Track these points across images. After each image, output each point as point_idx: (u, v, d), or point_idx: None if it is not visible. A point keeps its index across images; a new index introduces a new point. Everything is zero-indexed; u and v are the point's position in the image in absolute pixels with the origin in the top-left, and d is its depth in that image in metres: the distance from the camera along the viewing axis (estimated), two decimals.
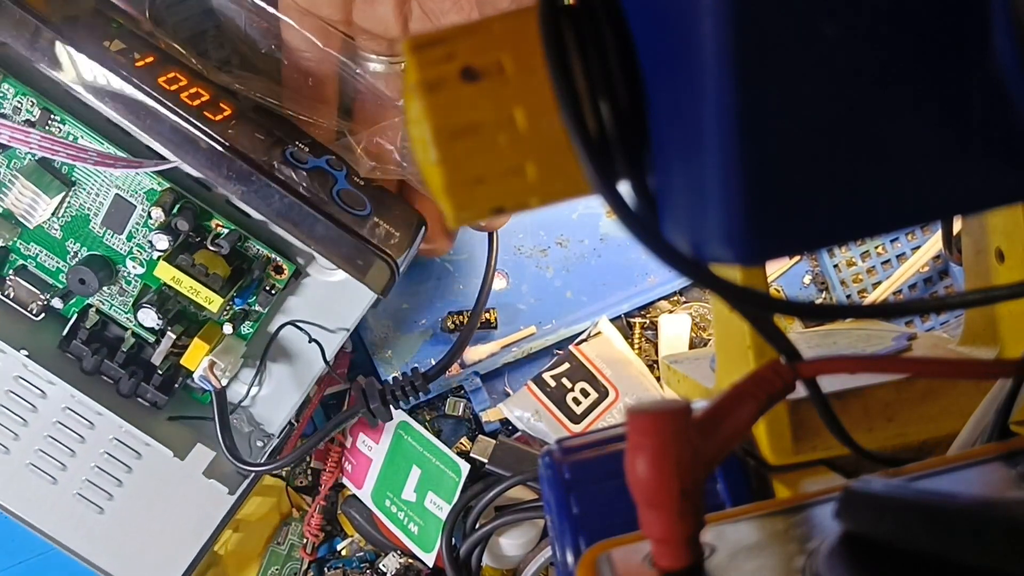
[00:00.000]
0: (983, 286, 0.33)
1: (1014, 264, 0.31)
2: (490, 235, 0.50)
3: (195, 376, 0.44)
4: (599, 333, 0.54)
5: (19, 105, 0.42)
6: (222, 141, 0.40)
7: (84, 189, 0.44)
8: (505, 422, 0.54)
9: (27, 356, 0.43)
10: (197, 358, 0.44)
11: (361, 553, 0.56)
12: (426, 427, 0.54)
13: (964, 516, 0.15)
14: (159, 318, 0.43)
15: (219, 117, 0.40)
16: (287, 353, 0.47)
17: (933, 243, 0.54)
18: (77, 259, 0.45)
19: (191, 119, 0.39)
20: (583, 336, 0.54)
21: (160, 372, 0.45)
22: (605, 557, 0.20)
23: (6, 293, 0.45)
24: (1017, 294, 0.21)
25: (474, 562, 0.50)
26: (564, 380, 0.53)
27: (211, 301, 0.42)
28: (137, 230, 0.44)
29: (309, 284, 0.45)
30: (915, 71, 0.16)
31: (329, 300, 0.45)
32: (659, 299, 0.55)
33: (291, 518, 0.58)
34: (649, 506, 0.17)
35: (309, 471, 0.57)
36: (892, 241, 0.55)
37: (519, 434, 0.54)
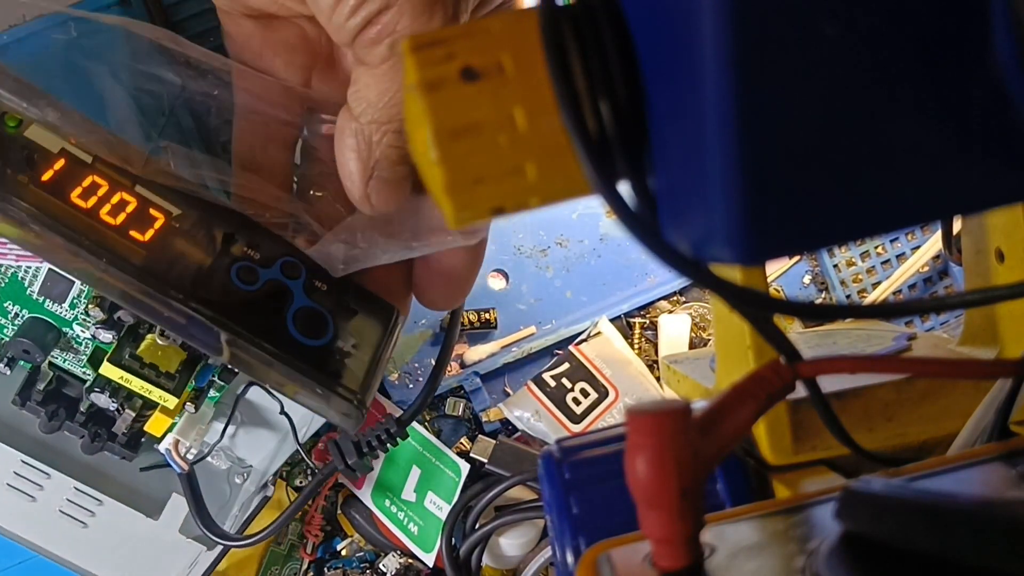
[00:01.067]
0: (983, 286, 0.33)
1: (1014, 264, 0.31)
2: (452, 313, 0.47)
3: (162, 449, 0.43)
4: (599, 333, 0.54)
5: None
6: (153, 273, 0.31)
7: (15, 264, 0.41)
8: (505, 422, 0.54)
9: None
10: (161, 428, 0.42)
11: (361, 553, 0.56)
12: (426, 427, 0.54)
13: (964, 516, 0.15)
14: (112, 401, 0.41)
15: (147, 235, 0.32)
16: (259, 403, 0.46)
17: (933, 243, 0.54)
18: (18, 320, 0.42)
19: (115, 252, 0.31)
20: (583, 336, 0.54)
21: (125, 432, 0.43)
22: (605, 557, 0.20)
23: None
24: (1017, 294, 0.21)
25: (474, 562, 0.50)
26: (564, 380, 0.53)
27: (166, 400, 0.40)
28: (79, 300, 0.41)
29: None
30: (915, 71, 0.16)
31: None
32: (659, 299, 0.55)
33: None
34: (649, 506, 0.17)
35: (309, 471, 0.57)
36: (892, 241, 0.55)
37: (519, 434, 0.54)
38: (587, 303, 0.55)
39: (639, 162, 0.18)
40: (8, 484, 0.45)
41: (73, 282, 0.41)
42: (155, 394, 0.40)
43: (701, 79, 0.15)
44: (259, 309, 0.33)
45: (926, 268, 0.54)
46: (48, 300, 0.42)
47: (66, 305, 0.42)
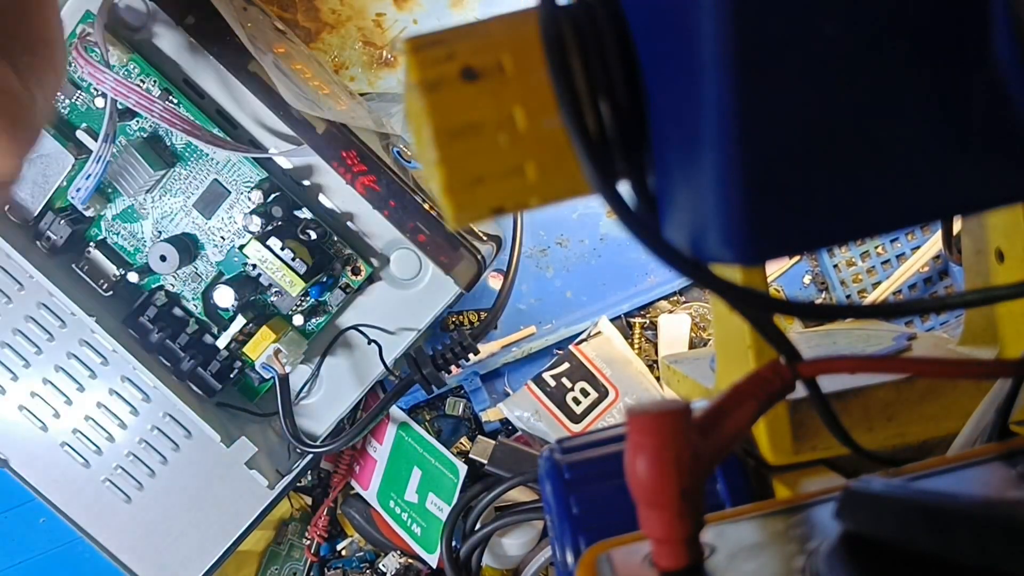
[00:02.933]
0: (983, 286, 0.33)
1: (1014, 264, 0.31)
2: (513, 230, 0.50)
3: (257, 364, 0.45)
4: (599, 333, 0.54)
5: (142, 83, 0.43)
6: (339, 127, 0.42)
7: (185, 170, 0.45)
8: (505, 422, 0.54)
9: (96, 322, 0.44)
10: (261, 347, 0.44)
11: (361, 553, 0.56)
12: (426, 427, 0.54)
13: (964, 516, 0.15)
14: (236, 300, 0.44)
15: (340, 107, 0.42)
16: (345, 356, 0.48)
17: (933, 243, 0.54)
18: (160, 238, 0.46)
19: (319, 99, 0.41)
20: (583, 336, 0.54)
21: (219, 359, 0.46)
22: (605, 557, 0.20)
23: (82, 265, 0.46)
24: (1017, 294, 0.21)
25: (474, 562, 0.50)
26: (564, 380, 0.53)
27: (294, 284, 0.43)
28: (223, 219, 0.45)
29: (379, 288, 0.46)
30: (915, 71, 0.16)
31: (397, 305, 0.46)
32: (659, 299, 0.55)
33: (291, 518, 0.58)
34: (649, 506, 0.17)
35: (316, 471, 0.57)
36: (892, 241, 0.55)
37: (519, 434, 0.54)
38: (587, 303, 0.55)
39: (639, 162, 0.18)
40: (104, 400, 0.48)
41: (228, 193, 0.45)
42: (286, 277, 0.43)
43: (701, 79, 0.15)
44: (409, 175, 0.43)
45: (926, 268, 0.54)
46: (196, 214, 0.46)
47: (209, 222, 0.46)
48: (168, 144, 0.44)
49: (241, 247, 0.44)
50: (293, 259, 0.43)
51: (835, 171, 0.16)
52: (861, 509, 0.18)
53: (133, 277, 0.46)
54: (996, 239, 0.31)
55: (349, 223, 0.44)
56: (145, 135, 0.44)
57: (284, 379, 0.45)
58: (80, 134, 0.44)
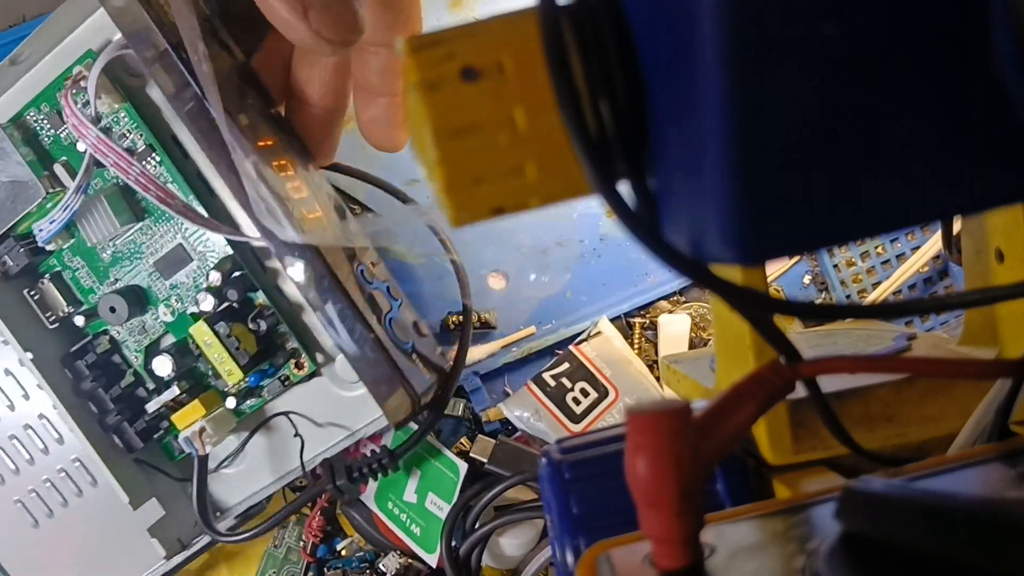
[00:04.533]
0: (983, 286, 0.33)
1: (1014, 264, 0.31)
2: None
3: (180, 436, 0.44)
4: (599, 333, 0.54)
5: (127, 133, 0.43)
6: (308, 242, 0.40)
7: (152, 228, 0.44)
8: (505, 422, 0.54)
9: (32, 355, 0.44)
10: (189, 419, 0.44)
11: (361, 553, 0.56)
12: None
13: (964, 516, 0.15)
14: (172, 372, 0.44)
15: (312, 216, 0.41)
16: (271, 439, 0.48)
17: (933, 243, 0.54)
18: (115, 287, 0.45)
19: (288, 209, 0.39)
20: (583, 336, 0.54)
21: (146, 419, 0.45)
22: (605, 557, 0.20)
23: (33, 294, 0.45)
24: (1017, 294, 0.21)
25: (474, 562, 0.50)
26: (564, 380, 0.53)
27: (231, 374, 0.43)
28: (182, 283, 0.45)
29: (318, 382, 0.46)
30: (915, 71, 0.16)
31: (333, 403, 0.46)
32: (659, 299, 0.55)
33: (287, 521, 0.58)
34: (649, 506, 0.17)
35: (312, 472, 0.57)
36: (892, 241, 0.55)
37: (519, 434, 0.54)
38: (587, 303, 0.55)
39: (639, 162, 0.18)
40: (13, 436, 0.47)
41: (190, 260, 0.44)
42: (225, 365, 0.43)
43: (701, 79, 0.15)
44: (371, 299, 0.42)
45: (926, 268, 0.54)
46: (156, 274, 0.45)
47: (168, 283, 0.45)
48: (140, 198, 0.44)
49: (193, 315, 0.44)
50: (237, 348, 0.43)
51: (835, 171, 0.16)
52: (861, 509, 0.18)
53: (79, 320, 0.46)
54: (996, 239, 0.31)
55: (303, 316, 0.44)
56: (120, 184, 0.43)
57: (203, 460, 0.45)
58: (58, 167, 0.43)
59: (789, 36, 0.15)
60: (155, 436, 0.46)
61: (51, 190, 0.43)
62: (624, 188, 0.18)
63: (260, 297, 0.44)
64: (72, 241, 0.45)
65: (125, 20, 0.39)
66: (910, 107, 0.16)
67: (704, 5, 0.15)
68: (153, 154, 0.43)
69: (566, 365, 0.53)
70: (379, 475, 0.48)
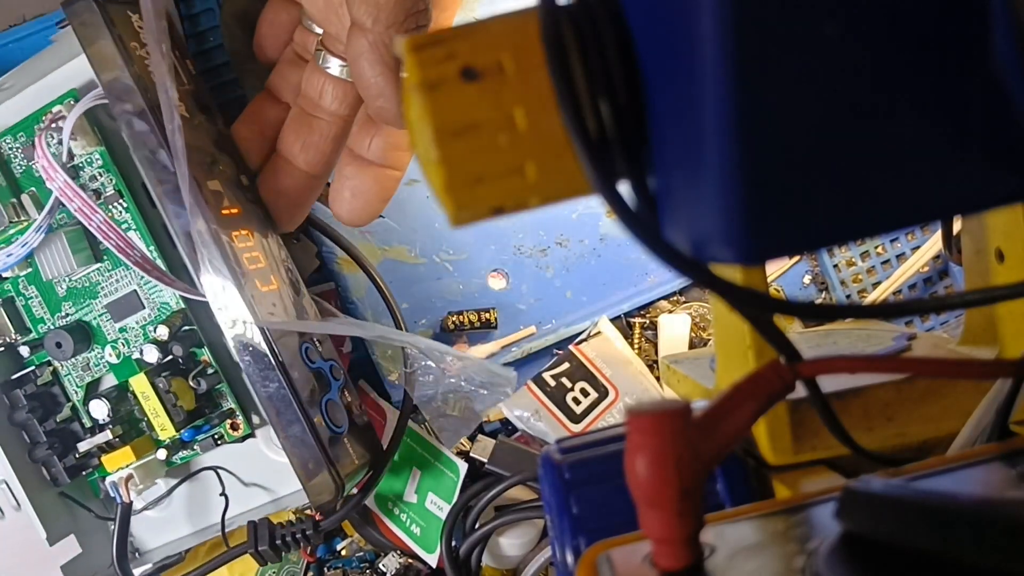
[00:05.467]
0: (983, 286, 0.33)
1: (1014, 264, 0.31)
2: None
3: (107, 480, 0.44)
4: (599, 333, 0.54)
5: (98, 176, 0.43)
6: (257, 316, 0.40)
7: (109, 271, 0.44)
8: (505, 422, 0.54)
9: None
10: (118, 464, 0.44)
11: (361, 553, 0.56)
12: (425, 427, 0.54)
13: (964, 516, 0.15)
14: (108, 416, 0.44)
15: (265, 289, 0.41)
16: (197, 490, 0.48)
17: (933, 243, 0.54)
18: (65, 320, 0.45)
19: (242, 284, 0.40)
20: (583, 336, 0.54)
21: (76, 457, 0.45)
22: (605, 557, 0.20)
23: None
24: (1017, 294, 0.21)
25: (474, 562, 0.50)
26: (564, 380, 0.53)
27: (164, 429, 0.44)
28: (131, 328, 0.45)
29: (251, 443, 0.46)
30: (915, 71, 0.16)
31: (263, 465, 0.46)
32: (659, 299, 0.55)
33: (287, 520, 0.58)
34: (649, 506, 0.17)
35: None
36: (892, 241, 0.55)
37: (519, 434, 0.54)
38: (587, 303, 0.55)
39: (639, 162, 0.18)
40: None
41: (142, 307, 0.45)
42: (159, 420, 0.44)
43: (701, 79, 0.15)
44: (312, 379, 0.42)
45: (926, 268, 0.54)
46: (106, 315, 0.45)
47: (117, 326, 0.45)
48: (99, 243, 0.43)
49: (138, 361, 0.44)
50: (174, 404, 0.43)
51: (835, 171, 0.16)
52: (861, 509, 0.18)
53: (24, 350, 0.46)
54: (996, 239, 0.31)
55: (244, 375, 0.44)
56: (82, 224, 0.43)
57: (127, 508, 0.45)
58: (25, 197, 0.43)
59: (789, 36, 0.15)
60: (83, 473, 0.46)
61: (14, 219, 0.43)
62: (624, 188, 0.18)
63: (205, 353, 0.44)
64: (29, 270, 0.45)
65: (107, 72, 0.39)
66: (910, 107, 0.16)
67: (704, 5, 0.15)
68: (121, 200, 0.42)
69: (566, 365, 0.53)
70: (301, 545, 0.48)
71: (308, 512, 0.49)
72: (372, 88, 0.34)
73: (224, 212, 0.40)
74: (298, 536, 0.47)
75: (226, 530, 0.47)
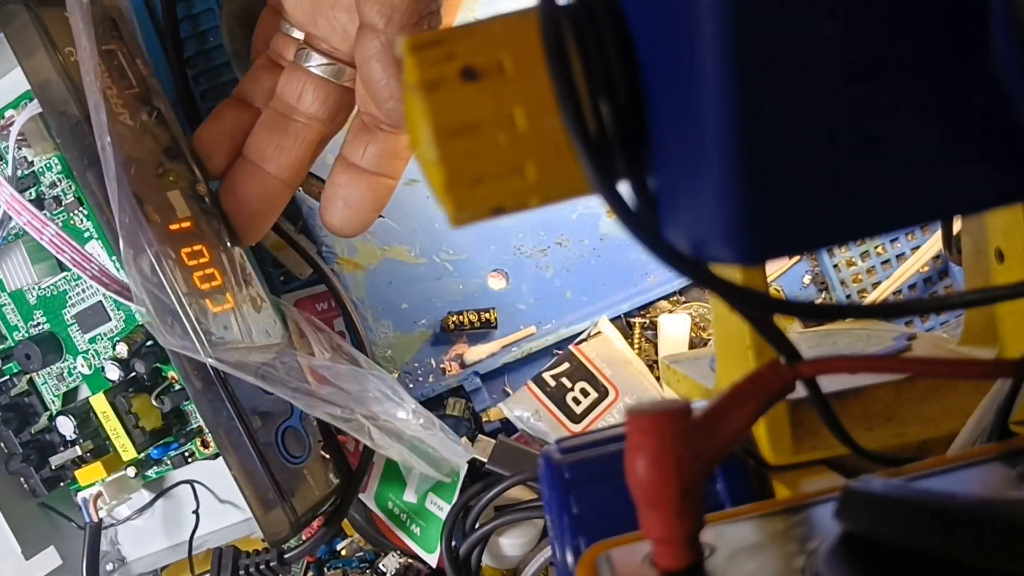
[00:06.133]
0: (983, 286, 0.33)
1: (1014, 264, 0.31)
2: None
3: (79, 496, 0.44)
4: (599, 333, 0.54)
5: (57, 182, 0.41)
6: (207, 337, 0.38)
7: (75, 280, 0.43)
8: (505, 422, 0.54)
9: None
10: (90, 479, 0.43)
11: (361, 553, 0.56)
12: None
13: (964, 516, 0.15)
14: (75, 432, 0.43)
15: (218, 309, 0.39)
16: (173, 504, 0.47)
17: (933, 243, 0.54)
18: (37, 329, 0.44)
19: (190, 306, 0.38)
20: (583, 336, 0.54)
21: (52, 469, 0.45)
22: (605, 557, 0.20)
23: None
24: (1017, 294, 0.21)
25: (474, 562, 0.50)
26: (564, 380, 0.53)
27: (126, 450, 0.42)
28: (101, 338, 0.43)
29: (222, 462, 0.45)
30: (915, 71, 0.16)
31: (234, 487, 0.45)
32: (659, 299, 0.55)
33: None
34: (649, 506, 0.17)
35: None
36: (892, 241, 0.55)
37: (519, 434, 0.54)
38: (587, 303, 0.55)
39: (639, 162, 0.18)
40: None
41: (108, 319, 0.43)
42: (120, 440, 0.42)
43: (701, 79, 0.15)
44: (262, 409, 0.40)
45: (926, 268, 0.54)
46: (76, 325, 0.44)
47: (87, 337, 0.44)
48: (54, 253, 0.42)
49: (97, 377, 0.43)
50: (136, 424, 0.42)
51: (835, 171, 0.16)
52: (861, 509, 0.18)
53: None
54: (996, 239, 0.31)
55: (193, 403, 0.43)
56: None
57: (96, 528, 0.44)
58: None
59: (789, 36, 0.15)
60: (61, 484, 0.45)
61: None
62: (624, 188, 0.18)
63: (172, 370, 0.42)
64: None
65: (39, 80, 0.37)
66: (910, 107, 0.16)
67: (704, 5, 0.15)
68: (81, 207, 0.41)
69: (566, 365, 0.53)
70: None
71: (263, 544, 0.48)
72: (383, 90, 0.34)
73: (173, 228, 0.38)
74: (262, 567, 0.46)
75: (196, 549, 0.46)
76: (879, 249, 0.55)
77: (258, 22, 0.43)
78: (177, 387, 0.43)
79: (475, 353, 0.55)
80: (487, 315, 0.54)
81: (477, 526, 0.49)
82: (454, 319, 0.54)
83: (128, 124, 0.37)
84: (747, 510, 0.22)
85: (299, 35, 0.41)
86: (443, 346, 0.55)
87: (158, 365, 0.43)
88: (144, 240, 0.36)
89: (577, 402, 0.53)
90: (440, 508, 0.51)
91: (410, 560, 0.54)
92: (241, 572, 0.46)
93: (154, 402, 0.42)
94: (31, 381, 0.45)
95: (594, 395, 0.53)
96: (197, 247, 0.39)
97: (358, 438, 0.42)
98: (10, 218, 0.40)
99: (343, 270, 0.53)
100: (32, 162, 0.41)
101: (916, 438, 0.30)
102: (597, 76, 0.18)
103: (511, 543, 0.51)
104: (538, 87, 0.18)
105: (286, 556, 0.46)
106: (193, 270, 0.38)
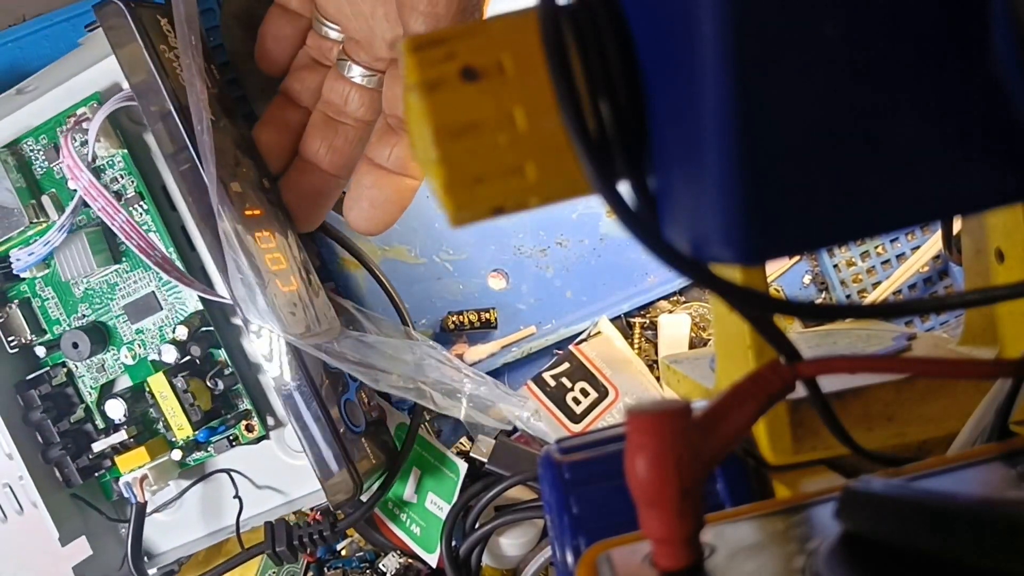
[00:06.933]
0: (983, 286, 0.33)
1: (1014, 264, 0.31)
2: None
3: (121, 480, 0.44)
4: (599, 333, 0.54)
5: (119, 178, 0.43)
6: (281, 320, 0.40)
7: (127, 272, 0.45)
8: None
9: None
10: (132, 464, 0.44)
11: (361, 553, 0.56)
12: (426, 427, 0.54)
13: (964, 516, 0.15)
14: (124, 416, 0.44)
15: (286, 289, 0.42)
16: (210, 492, 0.48)
17: (933, 243, 0.54)
18: (81, 322, 0.45)
19: (264, 283, 0.40)
20: (583, 336, 0.54)
21: (89, 457, 0.45)
22: (605, 557, 0.20)
23: None
24: (1017, 294, 0.21)
25: (474, 562, 0.50)
26: (564, 380, 0.53)
27: (181, 428, 0.44)
28: (148, 329, 0.45)
29: (265, 445, 0.46)
30: (915, 71, 0.16)
31: (277, 468, 0.47)
32: (659, 299, 0.55)
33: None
34: (649, 506, 0.17)
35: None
36: (892, 241, 0.55)
37: (519, 434, 0.54)
38: (587, 303, 0.55)
39: (639, 162, 0.18)
40: None
41: (159, 309, 0.45)
42: (177, 419, 0.44)
43: (701, 79, 0.15)
44: (330, 378, 0.43)
45: (926, 268, 0.54)
46: (123, 316, 0.45)
47: (133, 327, 0.45)
48: (121, 242, 0.44)
49: (153, 362, 0.44)
50: (192, 403, 0.43)
51: (835, 171, 0.16)
52: (861, 509, 0.18)
53: (40, 350, 0.46)
54: (996, 239, 0.31)
55: (261, 377, 0.44)
56: (102, 225, 0.43)
57: (142, 508, 0.45)
58: (45, 199, 0.43)
59: (789, 36, 0.15)
60: (96, 474, 0.46)
61: (34, 219, 0.43)
62: (624, 188, 0.18)
63: (222, 354, 0.44)
64: (47, 272, 0.45)
65: (136, 73, 0.40)
66: (910, 107, 0.16)
67: (704, 5, 0.15)
68: (141, 202, 0.43)
69: (566, 365, 0.53)
70: (318, 546, 0.48)
71: (313, 514, 0.49)
72: None
73: (247, 213, 0.41)
74: (315, 536, 0.47)
75: (223, 537, 0.47)
76: (879, 249, 0.55)
77: (264, 21, 0.44)
78: (227, 371, 0.44)
79: (475, 353, 0.55)
80: (487, 315, 0.54)
81: (477, 526, 0.49)
82: (454, 319, 0.54)
83: (212, 119, 0.40)
84: (747, 510, 0.22)
85: (336, 35, 0.43)
86: (443, 346, 0.55)
87: (211, 350, 0.44)
88: (230, 218, 0.39)
89: (577, 402, 0.53)
90: (440, 508, 0.51)
91: (410, 560, 0.53)
92: (295, 542, 0.47)
93: (208, 383, 0.44)
94: (69, 373, 0.46)
95: (594, 395, 0.53)
96: (266, 232, 0.42)
97: (424, 404, 0.46)
98: (80, 206, 0.42)
99: (346, 269, 0.53)
100: (97, 158, 0.43)
101: (916, 438, 0.30)
102: (597, 76, 0.18)
103: (511, 543, 0.51)
104: (538, 87, 0.18)
105: (338, 525, 0.47)
106: (265, 252, 0.41)
